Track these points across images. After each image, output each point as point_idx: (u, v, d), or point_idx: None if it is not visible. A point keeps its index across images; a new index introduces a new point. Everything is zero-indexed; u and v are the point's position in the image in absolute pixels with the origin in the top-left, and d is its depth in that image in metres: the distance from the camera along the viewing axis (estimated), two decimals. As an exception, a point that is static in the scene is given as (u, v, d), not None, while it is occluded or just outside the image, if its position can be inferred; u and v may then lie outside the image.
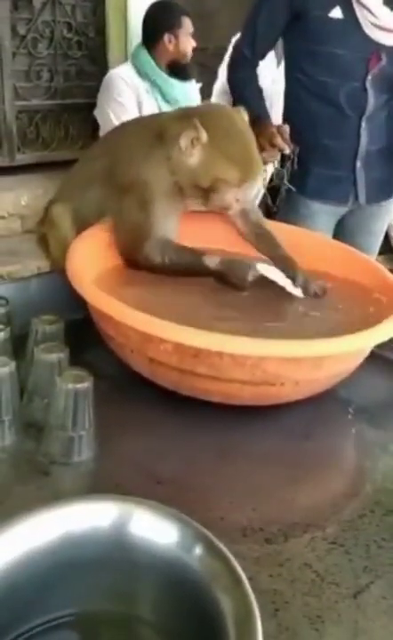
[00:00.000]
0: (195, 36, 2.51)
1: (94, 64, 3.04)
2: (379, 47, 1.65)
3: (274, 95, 2.07)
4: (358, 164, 1.78)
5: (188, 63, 2.54)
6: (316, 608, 0.61)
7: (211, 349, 0.81)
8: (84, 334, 0.96)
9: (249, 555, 0.67)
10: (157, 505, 0.54)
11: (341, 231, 1.90)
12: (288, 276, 1.05)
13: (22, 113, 2.88)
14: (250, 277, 1.02)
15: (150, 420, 0.90)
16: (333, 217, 1.88)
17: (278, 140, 1.55)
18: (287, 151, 1.60)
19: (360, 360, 0.95)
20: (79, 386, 0.77)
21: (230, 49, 1.93)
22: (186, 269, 1.05)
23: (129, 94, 2.45)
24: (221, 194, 1.04)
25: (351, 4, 1.61)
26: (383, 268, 1.13)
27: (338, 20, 1.63)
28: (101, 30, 3.03)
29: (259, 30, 1.73)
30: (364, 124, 1.73)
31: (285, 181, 1.73)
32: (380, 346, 0.94)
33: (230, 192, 1.05)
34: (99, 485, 0.78)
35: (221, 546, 0.51)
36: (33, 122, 2.93)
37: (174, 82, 2.50)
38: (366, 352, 0.95)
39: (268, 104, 1.80)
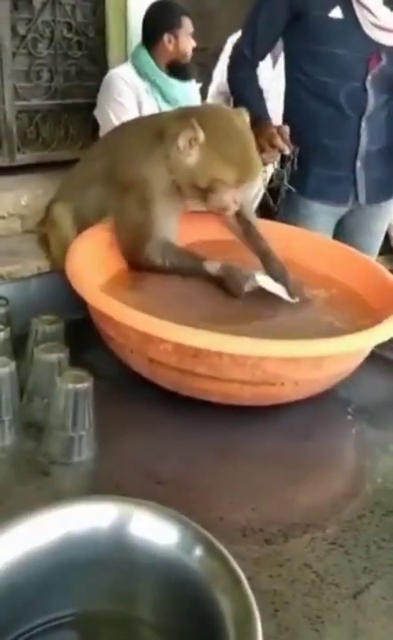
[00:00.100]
0: (195, 36, 2.51)
1: (94, 64, 3.04)
2: (379, 47, 1.65)
3: (271, 95, 2.06)
4: (358, 164, 1.77)
5: (187, 63, 2.54)
6: (315, 608, 0.61)
7: (210, 349, 0.81)
8: (84, 334, 0.96)
9: (249, 555, 0.67)
10: (157, 506, 0.54)
11: (341, 231, 1.90)
12: (281, 282, 1.06)
13: (22, 113, 2.87)
14: (246, 288, 1.03)
15: (150, 420, 0.90)
16: (333, 217, 1.88)
17: (278, 141, 1.55)
18: (287, 152, 1.60)
19: (360, 360, 0.95)
20: (79, 386, 0.77)
21: (226, 49, 1.93)
22: (186, 273, 1.06)
23: (129, 94, 2.45)
24: (219, 194, 1.05)
25: (351, 4, 1.61)
26: (383, 269, 1.13)
27: (338, 20, 1.63)
28: (101, 30, 3.03)
29: (259, 30, 1.73)
30: (364, 124, 1.73)
31: (285, 182, 1.73)
32: (381, 346, 0.94)
33: (228, 193, 1.05)
34: (99, 485, 0.78)
35: (221, 547, 0.51)
36: (33, 122, 2.92)
37: (174, 82, 2.50)
38: (366, 352, 0.95)
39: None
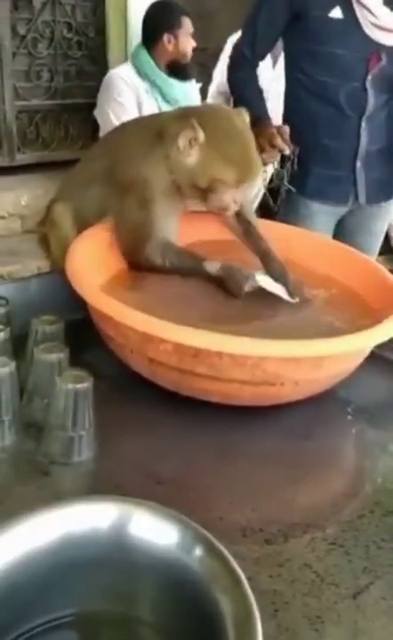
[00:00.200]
0: (195, 36, 2.51)
1: (94, 64, 3.04)
2: (379, 47, 1.65)
3: (271, 95, 2.06)
4: (358, 164, 1.77)
5: (187, 63, 2.54)
6: (315, 608, 0.61)
7: (210, 349, 0.81)
8: (84, 334, 0.96)
9: (249, 555, 0.67)
10: (157, 506, 0.54)
11: (341, 231, 1.90)
12: (281, 282, 1.06)
13: (22, 113, 2.87)
14: (246, 288, 1.03)
15: (150, 420, 0.90)
16: (333, 217, 1.88)
17: (278, 141, 1.55)
18: (287, 152, 1.60)
19: (360, 360, 0.95)
20: (79, 386, 0.77)
21: (226, 49, 1.93)
22: (186, 273, 1.06)
23: (129, 94, 2.45)
24: (219, 194, 1.05)
25: (351, 4, 1.61)
26: (383, 269, 1.13)
27: (338, 19, 1.63)
28: (101, 30, 3.02)
29: (259, 30, 1.73)
30: (364, 124, 1.73)
31: (285, 182, 1.73)
32: (381, 346, 0.94)
33: (228, 193, 1.05)
34: (99, 485, 0.78)
35: (221, 547, 0.51)
36: (33, 122, 2.92)
37: (174, 82, 2.50)
38: (366, 352, 0.95)
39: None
